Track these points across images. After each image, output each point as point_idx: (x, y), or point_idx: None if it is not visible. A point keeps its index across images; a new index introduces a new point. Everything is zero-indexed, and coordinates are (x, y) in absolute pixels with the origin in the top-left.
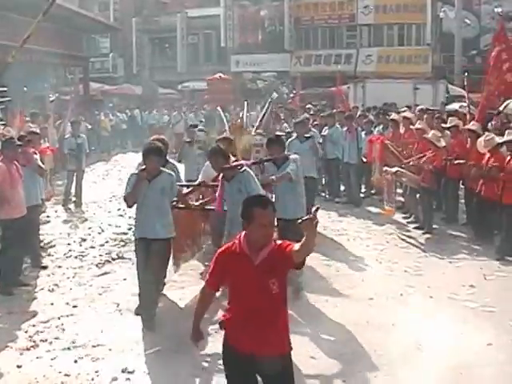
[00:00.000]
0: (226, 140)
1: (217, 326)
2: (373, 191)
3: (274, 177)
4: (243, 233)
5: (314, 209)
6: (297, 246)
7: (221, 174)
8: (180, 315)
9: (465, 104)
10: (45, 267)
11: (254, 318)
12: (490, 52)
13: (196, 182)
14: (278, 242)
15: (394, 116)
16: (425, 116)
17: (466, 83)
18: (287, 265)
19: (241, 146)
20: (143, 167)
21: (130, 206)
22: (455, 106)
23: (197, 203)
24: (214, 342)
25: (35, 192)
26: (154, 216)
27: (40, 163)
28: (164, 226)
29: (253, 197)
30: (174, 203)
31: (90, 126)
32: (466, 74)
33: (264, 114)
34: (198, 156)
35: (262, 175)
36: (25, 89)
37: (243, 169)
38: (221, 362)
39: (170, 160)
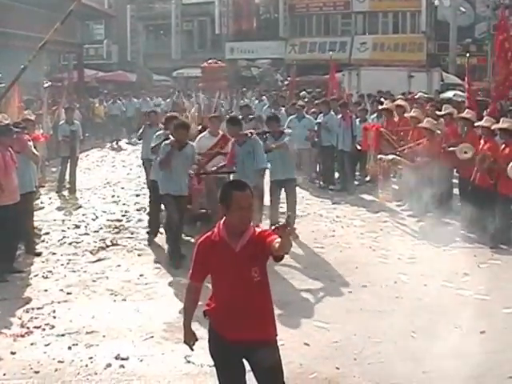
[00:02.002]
0: (218, 118)
1: None
2: (367, 179)
3: (274, 145)
4: (221, 221)
5: (286, 217)
6: (275, 244)
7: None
8: (173, 303)
9: (460, 92)
10: (39, 254)
11: (237, 305)
12: (498, 42)
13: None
14: (258, 229)
15: (386, 104)
16: (428, 104)
17: (467, 65)
18: (267, 254)
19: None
20: (174, 139)
21: (163, 170)
22: (449, 94)
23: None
24: (207, 328)
25: (29, 179)
26: (182, 177)
27: (34, 150)
28: (186, 185)
29: (231, 181)
30: (196, 170)
31: (80, 116)
32: (468, 54)
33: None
34: (156, 137)
35: (264, 143)
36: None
37: (253, 136)
38: None
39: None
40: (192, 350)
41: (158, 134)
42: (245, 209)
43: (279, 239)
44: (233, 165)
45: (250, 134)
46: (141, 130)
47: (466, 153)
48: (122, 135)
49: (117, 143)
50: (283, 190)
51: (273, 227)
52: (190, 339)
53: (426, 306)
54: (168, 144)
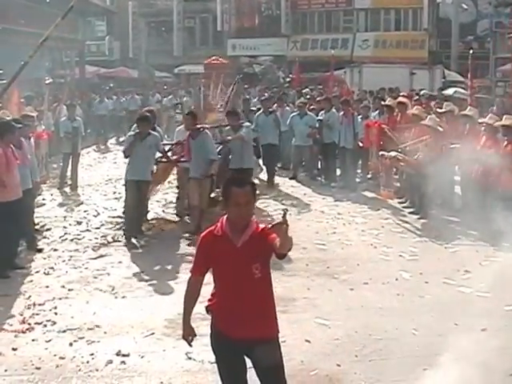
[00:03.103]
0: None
1: None
2: (369, 176)
3: (230, 137)
4: (225, 216)
5: (283, 213)
6: (277, 243)
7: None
8: (175, 299)
9: (460, 90)
10: (40, 250)
11: (238, 301)
12: None
13: (173, 143)
14: (261, 225)
15: (388, 101)
16: (432, 103)
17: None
18: (269, 251)
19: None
20: (137, 130)
21: (126, 157)
22: (450, 91)
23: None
24: (208, 324)
25: (26, 176)
26: (143, 164)
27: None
28: (149, 171)
29: (232, 177)
30: (159, 158)
31: (81, 111)
32: (472, 51)
33: (230, 94)
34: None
35: (221, 135)
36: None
37: (204, 131)
38: None
39: (157, 128)
40: (190, 346)
41: (129, 133)
42: (242, 205)
43: (277, 243)
44: (190, 156)
45: (201, 129)
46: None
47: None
48: (111, 135)
49: (104, 144)
50: None
51: (270, 225)
52: (189, 335)
53: (428, 304)
54: (132, 135)
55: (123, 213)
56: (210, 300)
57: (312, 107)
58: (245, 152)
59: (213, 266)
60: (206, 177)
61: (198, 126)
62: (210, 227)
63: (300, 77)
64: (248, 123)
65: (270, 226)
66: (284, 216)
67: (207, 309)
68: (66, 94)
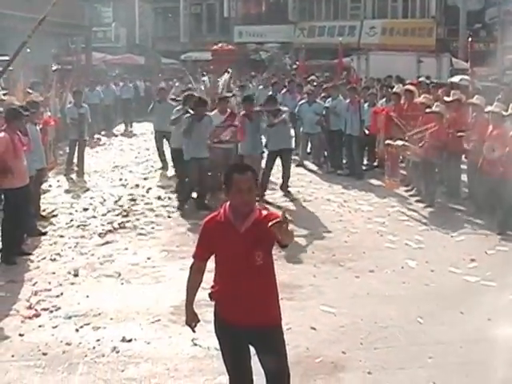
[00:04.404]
0: (250, 98)
1: None
2: (375, 164)
3: (276, 120)
4: (228, 202)
5: (281, 213)
6: (269, 226)
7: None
8: (181, 286)
9: (467, 77)
10: (44, 233)
11: (239, 288)
12: None
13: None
14: (264, 212)
15: (396, 89)
16: (439, 91)
17: (469, 49)
18: (272, 239)
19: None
20: (194, 112)
21: (186, 138)
22: (455, 78)
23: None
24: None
25: (32, 163)
26: (202, 143)
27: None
28: (205, 149)
29: (233, 164)
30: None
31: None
32: (470, 39)
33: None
34: (165, 110)
35: (268, 119)
36: (27, 50)
37: (260, 113)
38: None
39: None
40: (194, 331)
41: (177, 108)
42: (244, 191)
43: (272, 222)
44: (243, 137)
45: (259, 112)
46: (151, 106)
47: (493, 151)
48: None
49: (95, 135)
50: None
51: (270, 224)
52: (193, 321)
53: (433, 292)
54: (189, 117)
55: (177, 190)
56: (212, 287)
57: (322, 95)
58: (286, 134)
59: (215, 251)
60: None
61: (258, 110)
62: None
63: (306, 65)
64: (286, 108)
65: (269, 224)
66: (284, 214)
67: (210, 296)
68: (72, 80)
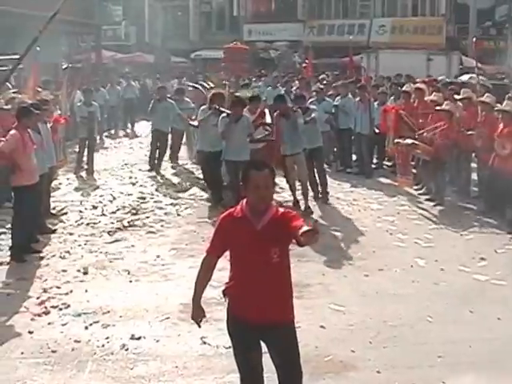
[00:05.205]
0: (283, 97)
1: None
2: (384, 162)
3: (308, 118)
4: (245, 199)
5: (312, 222)
6: (299, 235)
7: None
8: (190, 283)
9: (475, 75)
10: (54, 231)
11: (255, 285)
12: None
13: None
14: (281, 209)
15: (406, 87)
16: (448, 88)
17: (474, 48)
18: (289, 237)
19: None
20: (229, 112)
21: (224, 139)
22: (464, 77)
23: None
24: (223, 310)
25: (43, 161)
26: (241, 145)
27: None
28: (246, 151)
29: (250, 161)
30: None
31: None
32: (475, 38)
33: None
34: (165, 109)
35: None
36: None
37: (296, 111)
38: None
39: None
40: (199, 326)
41: (202, 108)
42: (261, 188)
43: (304, 229)
44: (278, 137)
45: (295, 110)
46: (151, 105)
47: (504, 148)
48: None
49: (100, 138)
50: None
51: (301, 231)
52: (199, 316)
53: (443, 291)
54: (225, 117)
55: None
56: (226, 284)
57: (330, 93)
58: (316, 132)
59: (231, 248)
60: None
61: (291, 107)
62: (229, 210)
63: (315, 63)
64: (314, 106)
65: (301, 232)
66: (315, 223)
67: (224, 293)
68: (81, 79)
